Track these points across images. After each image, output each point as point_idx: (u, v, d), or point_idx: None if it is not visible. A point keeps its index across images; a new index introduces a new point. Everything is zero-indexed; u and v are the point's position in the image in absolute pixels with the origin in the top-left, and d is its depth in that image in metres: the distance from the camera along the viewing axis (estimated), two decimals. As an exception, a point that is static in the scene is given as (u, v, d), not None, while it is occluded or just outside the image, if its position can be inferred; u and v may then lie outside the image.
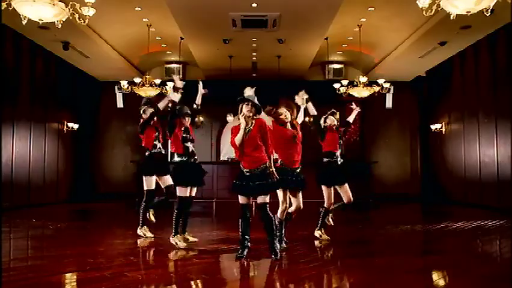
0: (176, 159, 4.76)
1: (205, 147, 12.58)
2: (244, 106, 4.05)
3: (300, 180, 4.55)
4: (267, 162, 4.06)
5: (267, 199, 4.06)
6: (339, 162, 5.27)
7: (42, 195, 10.04)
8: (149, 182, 5.37)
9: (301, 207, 4.66)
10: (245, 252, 4.06)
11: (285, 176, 4.41)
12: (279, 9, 8.00)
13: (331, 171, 5.19)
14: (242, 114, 4.05)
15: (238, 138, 4.00)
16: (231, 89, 12.23)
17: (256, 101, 4.07)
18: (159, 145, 5.46)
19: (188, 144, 4.78)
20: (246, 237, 4.09)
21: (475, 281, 3.33)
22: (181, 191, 4.68)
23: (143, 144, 5.44)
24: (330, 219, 5.36)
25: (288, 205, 4.62)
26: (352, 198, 5.24)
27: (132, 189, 9.50)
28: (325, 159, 5.28)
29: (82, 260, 3.99)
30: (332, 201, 5.21)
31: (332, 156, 5.26)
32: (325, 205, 5.19)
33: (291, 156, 4.53)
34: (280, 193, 4.50)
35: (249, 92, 4.07)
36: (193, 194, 4.89)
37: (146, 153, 5.41)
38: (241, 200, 4.09)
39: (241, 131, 4.01)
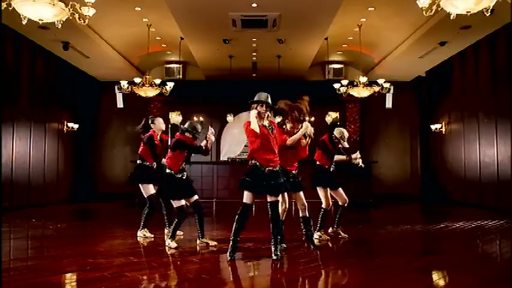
0: (168, 170, 4.80)
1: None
2: (259, 107, 4.09)
3: (296, 182, 4.61)
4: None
5: (278, 197, 4.12)
6: (332, 169, 5.30)
7: (43, 195, 10.05)
8: (147, 189, 5.40)
9: (306, 204, 4.70)
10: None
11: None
12: (279, 9, 8.00)
13: (325, 174, 5.20)
14: (256, 112, 4.07)
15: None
16: (231, 89, 12.39)
17: (269, 100, 4.13)
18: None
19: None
20: (238, 238, 4.11)
21: (475, 281, 3.33)
22: (176, 203, 4.74)
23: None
24: (342, 233, 5.41)
25: (287, 206, 4.66)
26: (347, 199, 5.28)
27: (132, 189, 9.49)
28: (318, 162, 5.30)
29: (82, 260, 3.99)
30: (330, 201, 5.25)
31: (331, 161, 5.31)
32: (323, 206, 5.21)
33: (289, 159, 4.59)
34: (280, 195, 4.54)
35: (263, 95, 4.12)
36: (196, 198, 4.88)
37: (138, 162, 5.47)
38: (249, 199, 4.05)
39: (255, 123, 3.97)
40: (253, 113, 4.06)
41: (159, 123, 5.49)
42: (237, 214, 4.07)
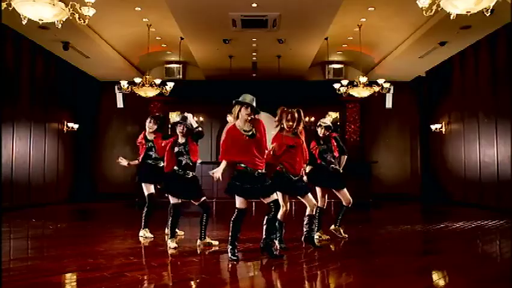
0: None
1: (205, 147, 12.59)
2: (243, 109, 4.02)
3: (302, 186, 4.56)
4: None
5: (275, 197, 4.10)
6: (331, 168, 5.22)
7: (43, 195, 10.05)
8: (148, 187, 5.46)
9: (316, 205, 4.70)
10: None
11: (285, 181, 4.45)
12: (279, 9, 8.00)
13: (326, 173, 5.18)
14: (240, 117, 4.04)
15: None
16: (231, 89, 12.29)
17: (254, 103, 4.06)
18: (154, 155, 5.52)
19: (182, 158, 4.76)
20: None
21: (475, 281, 3.33)
22: (172, 199, 4.75)
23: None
24: (343, 233, 5.37)
25: (288, 208, 4.65)
26: (351, 200, 5.25)
27: (132, 189, 9.50)
28: (319, 161, 5.28)
29: (82, 260, 3.99)
30: (326, 201, 5.25)
31: (325, 160, 5.25)
32: (319, 205, 5.19)
33: (292, 163, 4.51)
34: (280, 196, 4.51)
35: (248, 97, 4.06)
36: (203, 199, 4.83)
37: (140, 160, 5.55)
38: (244, 204, 4.03)
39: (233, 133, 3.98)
40: (240, 125, 4.00)
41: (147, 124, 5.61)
42: (233, 220, 4.04)
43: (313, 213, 4.66)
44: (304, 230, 4.70)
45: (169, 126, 4.95)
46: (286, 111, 4.52)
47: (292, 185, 4.49)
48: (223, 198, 9.37)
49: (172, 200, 4.76)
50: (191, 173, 4.78)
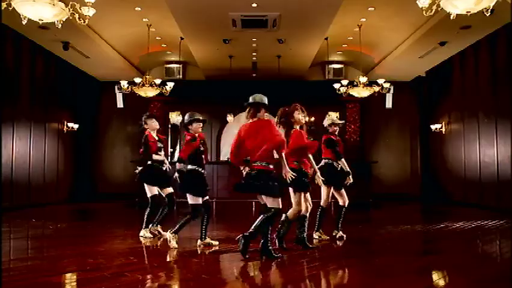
0: (189, 166, 4.69)
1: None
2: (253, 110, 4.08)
3: (307, 184, 4.57)
4: None
5: None
6: (339, 168, 5.25)
7: (43, 195, 10.05)
8: (151, 189, 5.43)
9: (311, 206, 4.70)
10: None
11: (304, 179, 4.46)
12: (279, 9, 8.01)
13: (331, 172, 5.18)
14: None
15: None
16: (231, 89, 12.39)
17: (266, 100, 4.10)
18: (162, 155, 5.53)
19: (202, 156, 4.77)
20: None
21: (475, 281, 3.33)
22: (195, 199, 4.63)
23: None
24: (342, 233, 5.34)
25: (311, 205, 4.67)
26: (347, 201, 5.26)
27: (132, 189, 9.50)
28: (324, 160, 5.29)
29: (82, 260, 3.99)
30: (329, 200, 5.25)
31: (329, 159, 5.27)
32: (322, 204, 5.19)
33: (305, 161, 4.55)
34: (294, 195, 4.49)
35: (257, 97, 4.09)
36: (205, 198, 4.80)
37: (148, 162, 5.45)
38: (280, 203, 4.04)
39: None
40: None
41: (150, 123, 5.54)
42: (267, 217, 3.96)
43: (307, 214, 4.64)
44: (297, 231, 4.64)
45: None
46: (300, 107, 4.55)
47: (304, 182, 4.50)
48: (223, 198, 9.40)
49: (194, 201, 4.60)
50: (201, 170, 4.80)
